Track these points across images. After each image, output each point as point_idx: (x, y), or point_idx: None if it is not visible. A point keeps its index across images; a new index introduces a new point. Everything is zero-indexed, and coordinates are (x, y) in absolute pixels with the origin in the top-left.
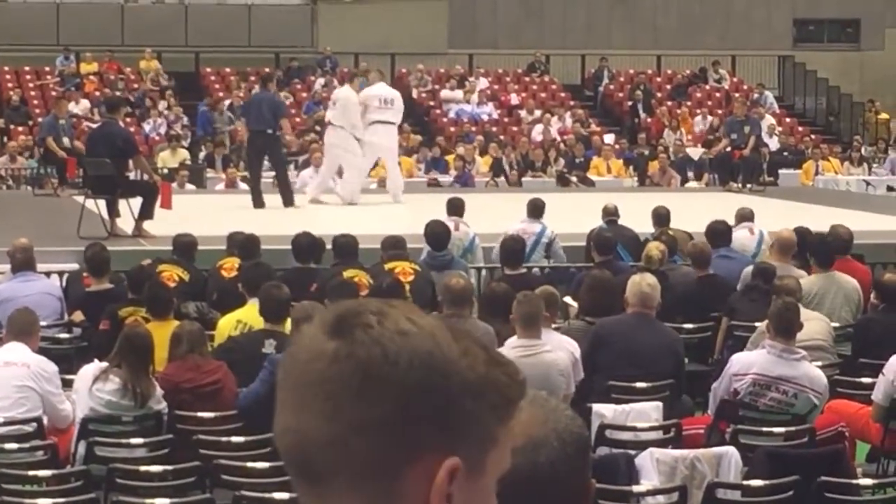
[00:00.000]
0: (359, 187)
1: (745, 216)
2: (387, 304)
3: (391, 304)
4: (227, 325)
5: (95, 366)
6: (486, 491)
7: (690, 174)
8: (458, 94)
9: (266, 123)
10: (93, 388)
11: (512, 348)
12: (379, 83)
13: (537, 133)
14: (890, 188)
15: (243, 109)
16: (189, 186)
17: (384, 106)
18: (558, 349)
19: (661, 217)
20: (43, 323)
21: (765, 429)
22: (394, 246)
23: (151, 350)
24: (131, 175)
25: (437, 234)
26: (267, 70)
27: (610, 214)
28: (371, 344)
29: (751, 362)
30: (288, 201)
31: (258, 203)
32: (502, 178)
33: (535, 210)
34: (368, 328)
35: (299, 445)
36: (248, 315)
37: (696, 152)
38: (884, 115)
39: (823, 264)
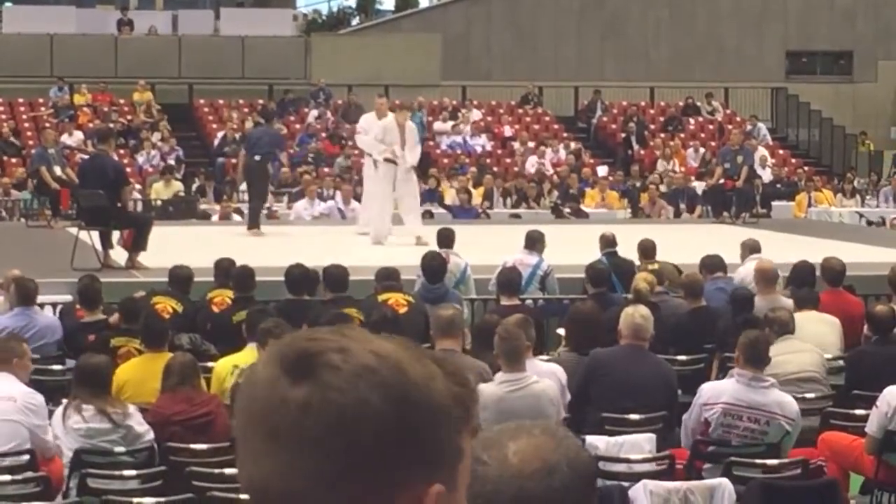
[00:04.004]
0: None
1: (753, 247)
2: (343, 335)
3: (347, 334)
4: (224, 369)
5: (62, 406)
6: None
7: (683, 206)
8: (451, 125)
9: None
10: (66, 425)
11: (499, 383)
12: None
13: (531, 165)
14: (872, 222)
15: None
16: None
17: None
18: (545, 377)
19: (646, 250)
20: (35, 356)
21: (758, 461)
22: (387, 277)
23: (108, 375)
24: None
25: (432, 267)
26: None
27: (608, 244)
28: (343, 389)
29: (720, 391)
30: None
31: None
32: (495, 210)
33: (532, 242)
34: (336, 370)
35: (271, 495)
36: (246, 359)
37: (698, 186)
38: (889, 150)
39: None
